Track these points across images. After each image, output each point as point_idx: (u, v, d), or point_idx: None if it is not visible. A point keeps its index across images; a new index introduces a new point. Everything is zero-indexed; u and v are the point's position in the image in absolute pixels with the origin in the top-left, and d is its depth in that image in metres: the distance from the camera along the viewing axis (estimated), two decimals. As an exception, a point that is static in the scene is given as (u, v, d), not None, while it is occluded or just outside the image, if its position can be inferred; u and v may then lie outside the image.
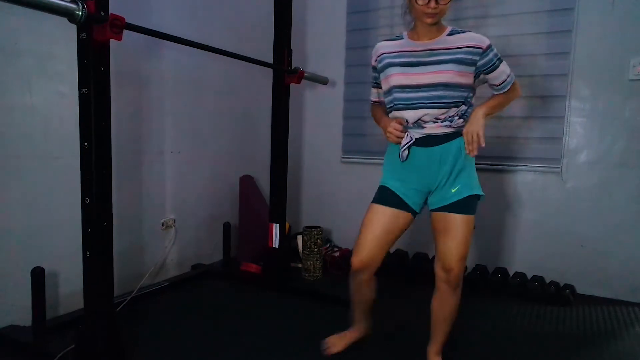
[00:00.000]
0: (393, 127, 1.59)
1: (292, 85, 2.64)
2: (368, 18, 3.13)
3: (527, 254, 2.74)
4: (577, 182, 2.62)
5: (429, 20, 1.51)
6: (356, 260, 1.64)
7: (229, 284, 2.65)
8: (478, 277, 2.68)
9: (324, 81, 2.96)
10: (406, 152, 1.59)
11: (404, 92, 1.58)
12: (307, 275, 2.82)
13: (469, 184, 1.57)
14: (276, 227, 2.63)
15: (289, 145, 2.68)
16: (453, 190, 1.56)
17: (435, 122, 1.56)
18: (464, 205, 1.55)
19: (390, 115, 1.68)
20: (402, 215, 1.63)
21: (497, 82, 1.61)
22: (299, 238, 2.95)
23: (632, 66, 2.44)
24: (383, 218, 1.62)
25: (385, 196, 1.65)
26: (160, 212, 2.56)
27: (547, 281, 2.63)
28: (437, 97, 1.54)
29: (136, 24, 1.62)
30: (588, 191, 2.60)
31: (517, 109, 2.73)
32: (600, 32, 2.51)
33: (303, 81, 2.67)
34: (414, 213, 1.65)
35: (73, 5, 1.38)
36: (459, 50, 1.53)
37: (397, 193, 1.63)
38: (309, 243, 2.79)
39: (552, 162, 2.66)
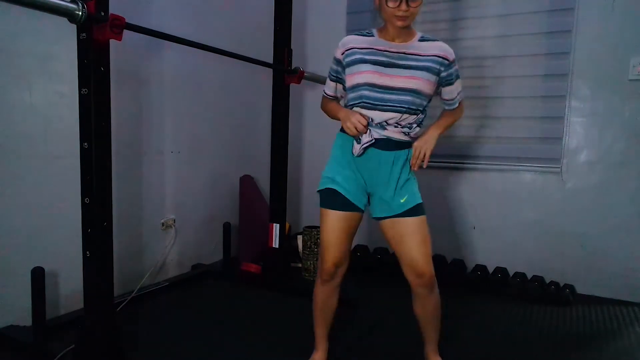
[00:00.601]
0: (357, 120, 1.52)
1: (292, 85, 2.64)
2: (368, 18, 3.13)
3: (527, 254, 2.74)
4: (577, 182, 2.62)
5: (399, 24, 1.48)
6: (329, 263, 1.61)
7: (229, 284, 2.65)
8: (478, 277, 2.68)
9: (324, 81, 2.95)
10: (362, 150, 1.56)
11: (374, 91, 1.54)
12: (307, 275, 2.82)
13: (415, 193, 1.58)
14: (276, 227, 2.64)
15: (289, 145, 2.68)
16: (402, 201, 1.56)
17: (396, 127, 1.56)
18: (416, 210, 1.56)
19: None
20: (353, 217, 1.61)
21: (448, 97, 1.65)
22: (299, 238, 2.95)
23: (632, 66, 2.44)
24: (337, 223, 1.59)
25: (332, 200, 1.60)
26: (160, 212, 2.56)
27: (547, 281, 2.63)
28: (405, 102, 1.53)
29: (136, 24, 1.62)
30: (588, 191, 2.60)
31: (517, 109, 2.73)
32: (600, 32, 2.51)
33: (303, 81, 2.67)
34: (360, 211, 1.63)
35: (73, 6, 1.38)
36: (429, 58, 1.54)
37: (342, 193, 1.58)
38: (309, 243, 2.79)
39: (552, 162, 2.66)
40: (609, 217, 2.55)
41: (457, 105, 1.67)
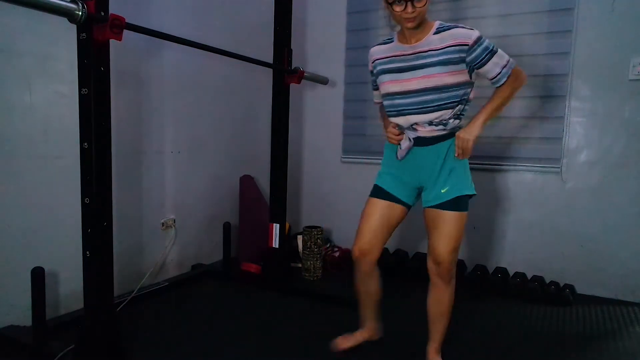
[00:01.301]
0: (390, 132, 1.67)
1: (292, 85, 2.64)
2: (368, 18, 3.13)
3: (527, 254, 2.74)
4: (577, 182, 2.62)
5: (409, 25, 1.52)
6: (356, 248, 1.72)
7: (229, 284, 2.65)
8: (478, 277, 2.68)
9: (324, 81, 2.96)
10: (404, 153, 1.64)
11: (393, 99, 1.62)
12: (307, 275, 2.82)
13: (458, 184, 1.59)
14: (276, 227, 2.64)
15: (289, 145, 2.68)
16: (443, 191, 1.59)
17: (429, 126, 1.58)
18: (454, 203, 1.58)
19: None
20: (397, 207, 1.70)
21: (489, 76, 1.57)
22: (299, 238, 2.95)
23: (632, 66, 2.44)
24: (379, 210, 1.70)
25: (375, 191, 1.74)
26: (160, 212, 2.56)
27: (547, 281, 2.63)
28: (426, 101, 1.55)
29: (136, 24, 1.62)
30: (588, 191, 2.60)
31: (517, 109, 2.73)
32: (600, 32, 2.51)
33: (303, 81, 2.67)
34: (407, 206, 1.72)
35: (73, 6, 1.38)
36: (445, 50, 1.52)
37: (390, 191, 1.70)
38: (309, 243, 2.79)
39: (552, 162, 2.66)
40: (609, 217, 2.55)
41: (504, 80, 1.55)
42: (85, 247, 1.56)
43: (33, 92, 1.89)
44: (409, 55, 1.58)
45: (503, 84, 1.57)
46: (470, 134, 1.55)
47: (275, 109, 2.62)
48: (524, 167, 2.74)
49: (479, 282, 2.66)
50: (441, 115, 1.56)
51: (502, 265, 2.77)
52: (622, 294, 2.56)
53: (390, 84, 1.62)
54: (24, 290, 1.81)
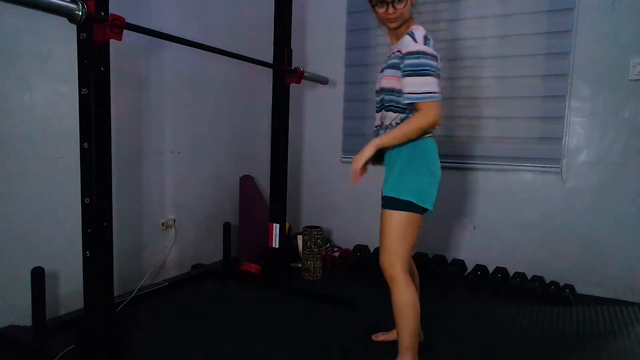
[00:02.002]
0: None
1: (292, 85, 2.64)
2: (368, 18, 3.13)
3: (527, 254, 2.74)
4: (577, 182, 2.62)
5: (392, 25, 1.62)
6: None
7: (229, 284, 2.65)
8: (478, 277, 2.68)
9: (324, 81, 2.96)
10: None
11: (376, 95, 1.74)
12: (307, 275, 2.82)
13: (391, 185, 1.62)
14: (276, 227, 2.63)
15: (289, 145, 2.68)
16: (384, 193, 1.65)
17: (388, 128, 1.66)
18: (388, 202, 1.62)
19: None
20: None
21: (403, 90, 1.57)
22: (299, 238, 2.95)
23: (632, 66, 2.44)
24: None
25: None
26: (160, 212, 2.56)
27: (547, 281, 2.63)
28: (381, 100, 1.69)
29: (136, 24, 1.62)
30: (588, 191, 2.60)
31: (517, 109, 2.74)
32: (600, 32, 2.51)
33: (303, 81, 2.67)
34: None
35: (73, 6, 1.38)
36: (395, 54, 1.62)
37: None
38: (309, 243, 2.79)
39: (552, 162, 2.66)
40: (609, 217, 2.55)
41: (408, 102, 1.54)
42: (85, 247, 1.55)
43: (33, 92, 1.89)
44: (389, 55, 1.69)
45: (415, 109, 1.56)
46: (359, 154, 1.59)
47: (275, 109, 2.62)
48: (524, 167, 2.74)
49: (479, 282, 2.66)
50: (390, 116, 1.65)
51: (502, 265, 2.77)
52: (622, 294, 2.56)
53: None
54: (24, 290, 1.81)
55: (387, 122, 1.66)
